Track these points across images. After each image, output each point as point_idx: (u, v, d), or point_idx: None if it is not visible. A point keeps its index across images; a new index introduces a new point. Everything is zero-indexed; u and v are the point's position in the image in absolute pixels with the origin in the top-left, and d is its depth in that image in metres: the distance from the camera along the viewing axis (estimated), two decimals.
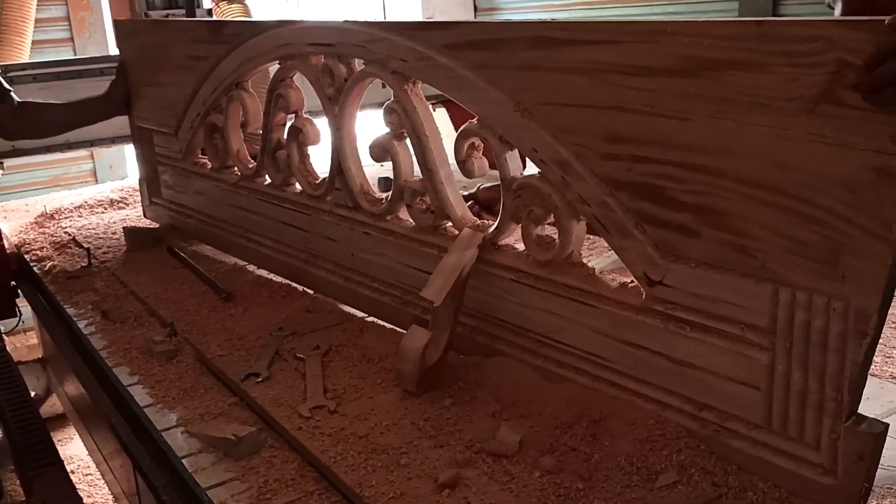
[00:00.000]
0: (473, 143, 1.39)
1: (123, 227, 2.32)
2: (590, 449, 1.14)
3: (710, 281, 1.07)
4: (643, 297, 1.16)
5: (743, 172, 1.01)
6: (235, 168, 2.03)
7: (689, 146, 1.05)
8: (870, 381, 1.28)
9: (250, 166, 1.97)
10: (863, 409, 1.16)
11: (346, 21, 1.55)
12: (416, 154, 1.50)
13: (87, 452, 2.74)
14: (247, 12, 3.49)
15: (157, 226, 2.38)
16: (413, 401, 1.30)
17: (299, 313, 1.69)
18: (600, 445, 1.14)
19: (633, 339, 1.18)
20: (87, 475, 2.88)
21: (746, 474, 1.06)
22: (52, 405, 3.02)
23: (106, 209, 2.69)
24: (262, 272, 1.96)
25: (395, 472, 1.12)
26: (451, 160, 1.46)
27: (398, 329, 1.55)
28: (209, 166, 2.13)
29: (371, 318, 1.64)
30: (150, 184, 2.41)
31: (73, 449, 3.19)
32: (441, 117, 3.33)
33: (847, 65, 0.87)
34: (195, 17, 3.31)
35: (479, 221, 1.46)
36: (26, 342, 3.43)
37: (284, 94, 1.77)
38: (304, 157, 1.79)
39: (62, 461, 2.05)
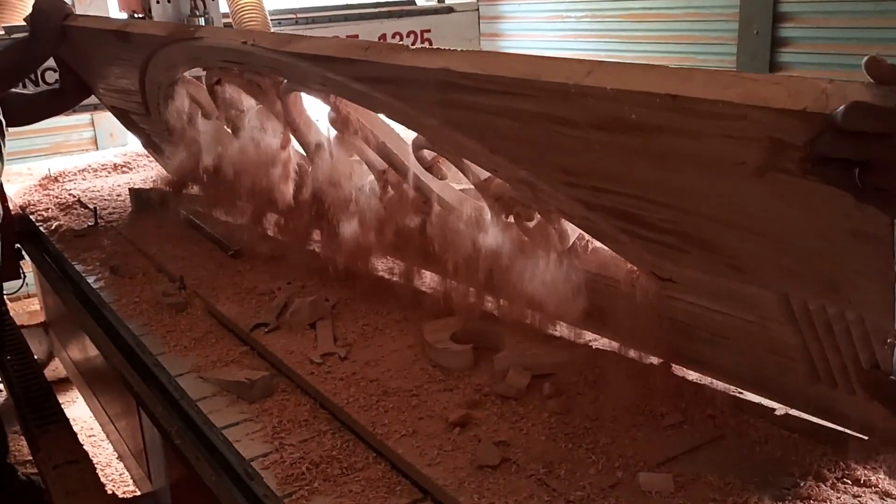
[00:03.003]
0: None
1: (129, 188, 2.33)
2: (594, 393, 1.17)
3: (717, 285, 1.02)
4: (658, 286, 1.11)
5: (711, 212, 0.92)
6: None
7: (646, 186, 0.95)
8: None
9: None
10: None
11: (245, 44, 1.46)
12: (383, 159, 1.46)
13: (89, 415, 2.77)
14: None
15: (163, 187, 2.34)
16: (421, 349, 1.33)
17: (307, 269, 1.71)
18: (603, 390, 1.17)
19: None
20: (90, 437, 2.90)
21: (746, 415, 1.09)
22: (55, 369, 3.05)
23: (110, 173, 2.70)
24: (269, 230, 1.93)
25: (407, 412, 1.15)
26: None
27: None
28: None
29: (379, 273, 1.65)
30: (154, 149, 2.35)
31: (74, 412, 3.21)
32: None
33: (783, 144, 0.76)
34: None
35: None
36: (27, 308, 3.44)
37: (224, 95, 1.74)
38: None
39: (67, 419, 2.08)
